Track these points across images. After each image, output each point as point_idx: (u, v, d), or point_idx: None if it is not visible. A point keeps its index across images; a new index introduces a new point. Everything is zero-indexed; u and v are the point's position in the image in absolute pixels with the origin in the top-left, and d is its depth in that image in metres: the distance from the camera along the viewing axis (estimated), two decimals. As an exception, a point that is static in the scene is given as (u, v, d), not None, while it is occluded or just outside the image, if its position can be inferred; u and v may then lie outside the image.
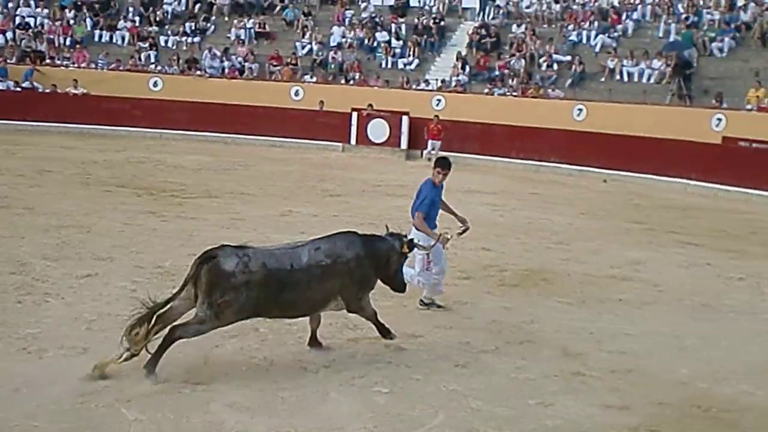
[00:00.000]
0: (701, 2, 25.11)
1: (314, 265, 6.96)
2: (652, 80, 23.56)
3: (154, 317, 6.69)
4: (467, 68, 25.61)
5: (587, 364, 7.54)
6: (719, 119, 20.49)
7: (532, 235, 13.42)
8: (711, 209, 17.18)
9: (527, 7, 27.71)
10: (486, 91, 24.67)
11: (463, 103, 23.73)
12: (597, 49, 25.32)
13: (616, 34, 25.46)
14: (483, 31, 26.67)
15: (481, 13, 28.08)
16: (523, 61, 25.21)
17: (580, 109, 22.58)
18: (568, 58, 25.02)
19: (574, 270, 11.07)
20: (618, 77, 24.07)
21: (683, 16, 24.84)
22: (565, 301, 9.58)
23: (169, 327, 6.71)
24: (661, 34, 24.95)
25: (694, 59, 23.29)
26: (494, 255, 11.72)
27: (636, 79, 23.84)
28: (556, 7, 27.16)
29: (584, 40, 25.78)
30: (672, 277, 10.92)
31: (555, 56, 25.13)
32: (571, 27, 26.12)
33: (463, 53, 26.18)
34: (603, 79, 24.22)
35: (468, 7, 28.76)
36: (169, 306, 6.76)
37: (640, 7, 25.99)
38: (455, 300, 9.34)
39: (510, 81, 24.78)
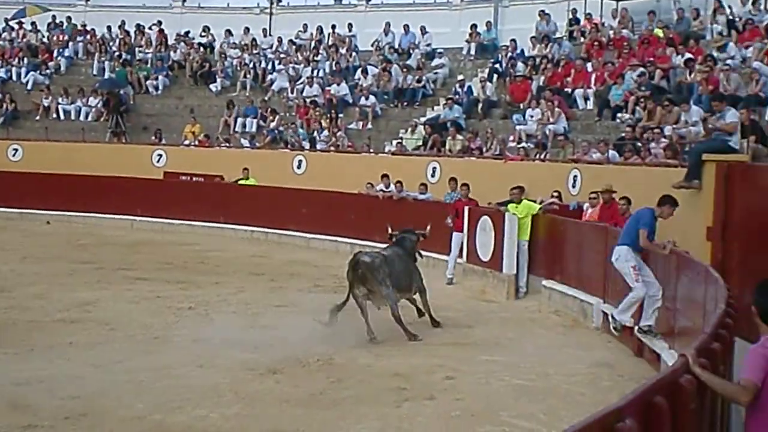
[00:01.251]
0: (133, 41, 25.58)
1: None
2: (89, 118, 23.35)
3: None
4: None
5: (39, 415, 7.07)
6: (160, 155, 21.00)
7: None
8: (158, 243, 17.47)
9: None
10: None
11: None
12: (29, 86, 24.34)
13: (48, 71, 24.76)
14: None
15: None
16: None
17: (16, 149, 21.50)
18: (-1, 95, 23.66)
19: (20, 318, 10.46)
20: (54, 115, 23.44)
21: (116, 53, 25.06)
22: (12, 352, 8.95)
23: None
24: (95, 72, 24.85)
25: (130, 97, 23.61)
26: None
27: (73, 116, 23.47)
28: (-19, 43, 25.57)
29: (14, 78, 24.66)
30: (123, 314, 10.81)
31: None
32: (-1, 63, 24.78)
33: None
34: (38, 117, 23.39)
35: None
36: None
37: (71, 44, 25.60)
38: None
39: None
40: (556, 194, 14.29)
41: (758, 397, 4.07)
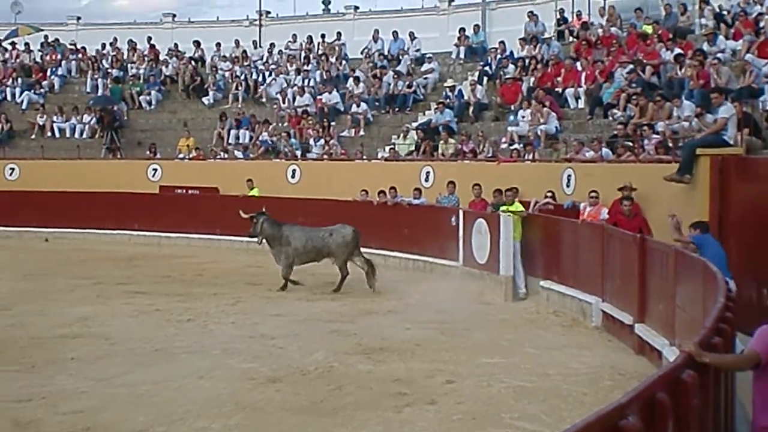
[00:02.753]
0: (125, 57, 25.62)
1: None
2: (84, 135, 23.38)
3: None
4: None
5: (41, 431, 7.07)
6: (155, 169, 20.99)
7: (-30, 306, 12.32)
8: (156, 257, 17.47)
9: (-58, 65, 25.75)
10: None
11: None
12: (24, 105, 24.41)
13: (42, 90, 24.82)
14: None
15: None
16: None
17: (13, 168, 21.48)
18: (-6, 116, 23.73)
19: (20, 335, 10.44)
20: (49, 134, 23.46)
21: (109, 70, 25.10)
22: (13, 369, 8.94)
23: None
24: (89, 89, 24.88)
25: (123, 113, 23.65)
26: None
27: (68, 134, 23.49)
28: (-29, 66, 25.64)
29: (9, 97, 24.75)
30: (123, 328, 10.83)
31: (-22, 115, 23.65)
32: (-8, 84, 24.85)
33: None
34: (33, 136, 23.43)
35: None
36: None
37: (64, 63, 25.65)
38: None
39: (-70, 143, 22.67)
40: (549, 194, 14.32)
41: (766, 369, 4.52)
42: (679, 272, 8.60)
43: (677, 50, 16.93)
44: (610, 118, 16.64)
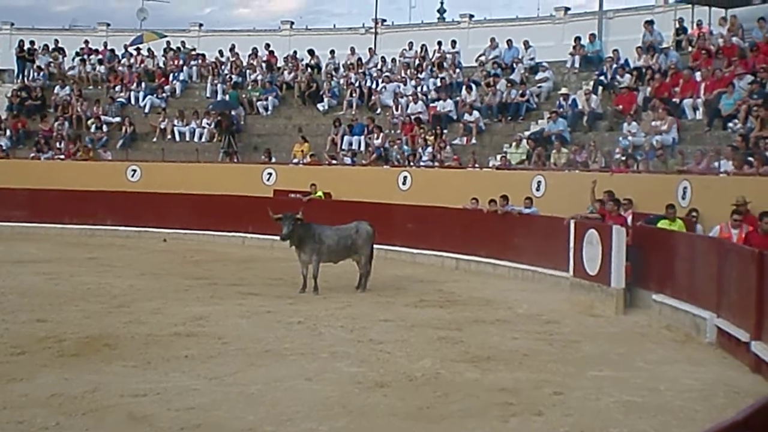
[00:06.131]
0: (244, 63, 26.29)
1: None
2: (203, 139, 24.08)
3: None
4: (8, 132, 24.08)
5: (155, 425, 7.28)
6: (270, 173, 21.47)
7: (91, 300, 12.84)
8: (268, 259, 17.83)
9: (70, 69, 26.93)
10: (32, 155, 23.38)
11: (8, 170, 22.22)
12: (147, 109, 25.31)
13: (164, 95, 25.68)
14: (24, 94, 25.35)
15: (21, 75, 26.67)
16: (67, 123, 24.39)
17: (135, 170, 22.30)
18: (118, 119, 24.70)
19: (137, 331, 10.75)
20: (170, 137, 24.26)
21: (228, 76, 25.80)
22: (130, 365, 9.21)
23: None
24: (209, 94, 25.64)
25: (241, 118, 24.27)
26: (51, 326, 10.97)
27: (188, 138, 24.22)
28: (101, 69, 26.73)
29: (133, 101, 25.67)
30: (235, 328, 11.07)
31: (104, 118, 24.69)
32: (118, 88, 25.85)
33: (3, 116, 24.62)
34: (155, 139, 24.26)
35: (5, 68, 27.26)
36: None
37: (185, 68, 26.50)
38: (8, 378, 8.54)
39: (57, 144, 23.75)
40: (694, 216, 13.85)
41: None
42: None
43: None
44: (729, 130, 16.16)
